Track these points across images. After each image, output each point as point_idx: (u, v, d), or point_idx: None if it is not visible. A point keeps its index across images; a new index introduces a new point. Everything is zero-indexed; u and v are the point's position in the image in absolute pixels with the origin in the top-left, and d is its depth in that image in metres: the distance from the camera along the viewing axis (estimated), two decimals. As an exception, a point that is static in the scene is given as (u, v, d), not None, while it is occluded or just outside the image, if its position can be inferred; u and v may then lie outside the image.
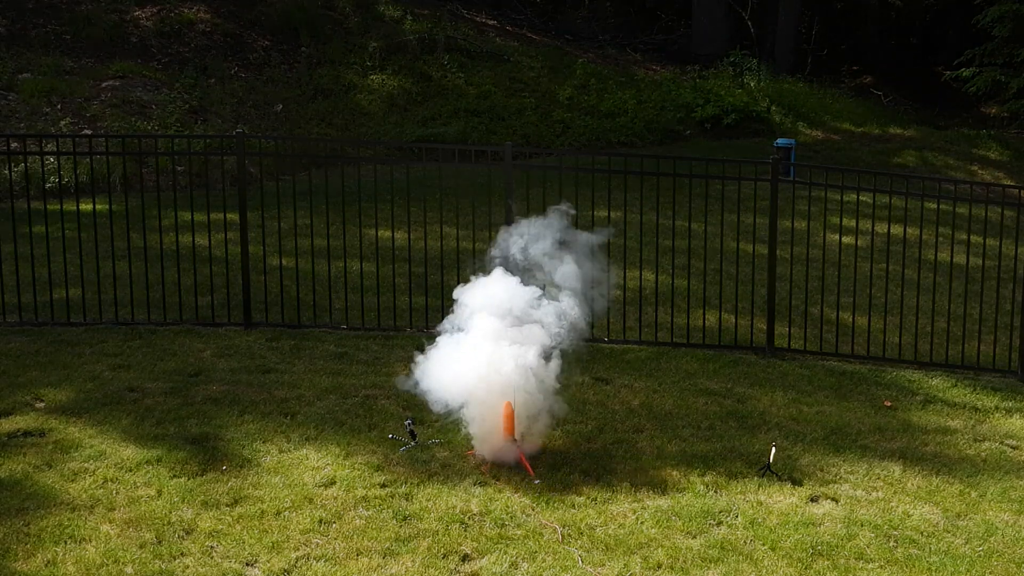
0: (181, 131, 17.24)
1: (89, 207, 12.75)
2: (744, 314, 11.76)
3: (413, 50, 21.66)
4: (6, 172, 14.62)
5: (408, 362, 10.17)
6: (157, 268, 11.26)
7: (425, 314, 10.86)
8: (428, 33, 22.03)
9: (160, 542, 7.16)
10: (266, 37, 21.27)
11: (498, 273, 8.62)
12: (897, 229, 14.03)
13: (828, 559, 7.31)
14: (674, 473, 8.32)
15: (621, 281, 11.18)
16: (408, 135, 18.97)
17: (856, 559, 7.33)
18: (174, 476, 7.96)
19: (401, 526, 7.42)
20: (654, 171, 11.39)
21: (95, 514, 7.44)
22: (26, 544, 7.07)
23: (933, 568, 7.30)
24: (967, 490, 8.39)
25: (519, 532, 7.41)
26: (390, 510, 7.61)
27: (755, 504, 7.93)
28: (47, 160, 14.02)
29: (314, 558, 7.04)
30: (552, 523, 7.52)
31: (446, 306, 8.80)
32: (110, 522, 7.35)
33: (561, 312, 8.50)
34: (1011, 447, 9.30)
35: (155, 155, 14.93)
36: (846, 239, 14.24)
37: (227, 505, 7.61)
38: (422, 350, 8.69)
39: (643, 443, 8.81)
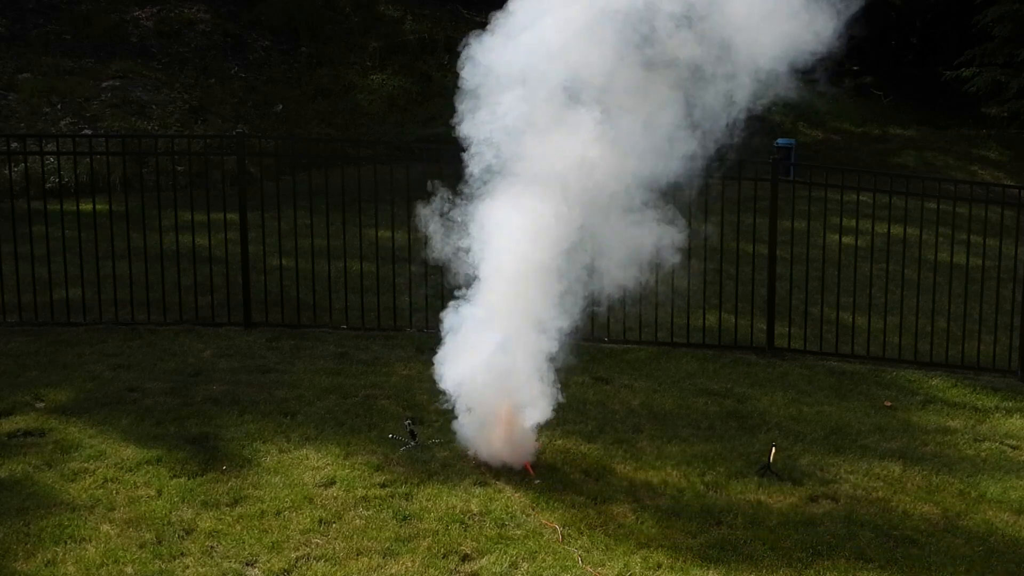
0: (181, 131, 17.24)
1: (89, 207, 12.75)
2: (744, 314, 11.76)
3: (413, 50, 21.66)
4: (6, 172, 14.62)
5: (408, 362, 10.21)
6: (157, 268, 11.26)
7: (425, 314, 10.86)
8: (428, 33, 22.02)
9: (160, 542, 7.15)
10: (266, 37, 21.26)
11: None
12: (897, 229, 14.02)
13: (828, 559, 7.30)
14: (674, 473, 8.31)
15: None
16: (408, 135, 18.96)
17: (856, 559, 7.33)
18: (174, 476, 7.95)
19: (401, 526, 7.42)
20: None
21: (95, 514, 7.44)
22: (26, 544, 7.06)
23: (933, 568, 7.29)
24: (967, 490, 8.39)
25: (519, 532, 7.41)
26: (390, 510, 7.60)
27: (755, 504, 7.93)
28: (47, 160, 14.01)
29: (314, 558, 7.04)
30: (552, 523, 7.51)
31: (446, 306, 8.77)
32: (110, 522, 7.34)
33: None
34: (1011, 447, 9.30)
35: (155, 155, 14.92)
36: (846, 239, 14.23)
37: (227, 505, 7.61)
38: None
39: (643, 443, 8.80)
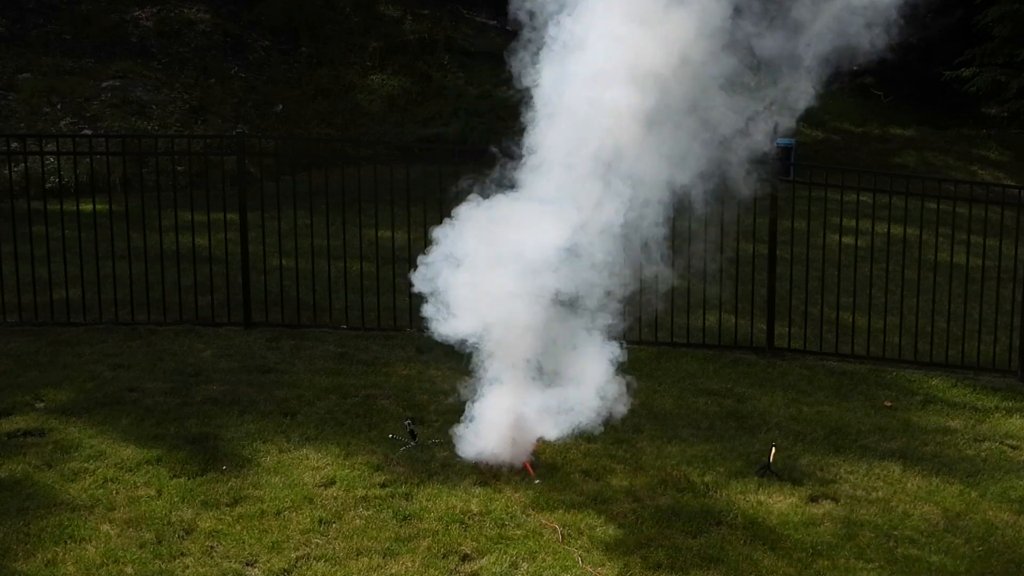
0: (181, 131, 17.24)
1: (89, 207, 12.75)
2: (744, 314, 11.76)
3: (413, 50, 21.66)
4: (6, 172, 14.62)
5: (408, 362, 10.20)
6: (157, 268, 11.26)
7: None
8: (428, 33, 22.03)
9: (160, 542, 7.15)
10: (266, 37, 21.27)
11: None
12: (897, 229, 14.03)
13: (828, 559, 7.30)
14: (674, 473, 8.31)
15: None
16: (408, 135, 18.96)
17: (856, 559, 7.33)
18: (174, 476, 7.96)
19: (401, 526, 7.42)
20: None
21: (95, 514, 7.44)
22: (26, 544, 7.06)
23: (933, 568, 7.29)
24: (967, 490, 8.39)
25: (519, 532, 7.41)
26: (390, 510, 7.60)
27: (755, 504, 7.93)
28: (47, 160, 14.02)
29: (314, 558, 7.04)
30: (552, 523, 7.52)
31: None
32: (110, 522, 7.34)
33: None
34: (1011, 447, 9.30)
35: (155, 155, 14.92)
36: (846, 239, 14.23)
37: (227, 505, 7.61)
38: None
39: (643, 443, 8.80)
